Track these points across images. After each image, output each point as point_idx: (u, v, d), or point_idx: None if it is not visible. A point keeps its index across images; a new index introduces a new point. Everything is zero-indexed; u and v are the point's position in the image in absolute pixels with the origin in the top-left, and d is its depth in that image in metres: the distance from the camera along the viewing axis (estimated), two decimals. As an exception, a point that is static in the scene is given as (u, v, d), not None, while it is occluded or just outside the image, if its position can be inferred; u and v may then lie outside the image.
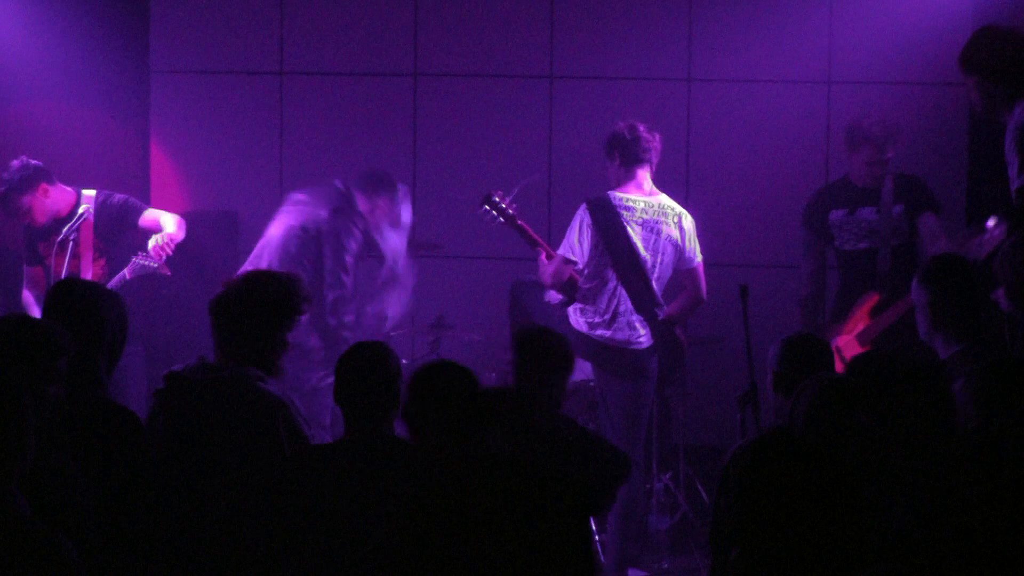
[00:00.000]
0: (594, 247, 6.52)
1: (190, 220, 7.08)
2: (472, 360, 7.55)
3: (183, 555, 4.33)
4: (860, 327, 6.64)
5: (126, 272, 6.78)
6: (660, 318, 6.53)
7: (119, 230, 6.97)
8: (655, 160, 6.59)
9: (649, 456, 6.99)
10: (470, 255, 8.28)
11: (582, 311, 6.56)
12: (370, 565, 3.95)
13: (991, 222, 5.82)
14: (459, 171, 8.32)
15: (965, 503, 3.52)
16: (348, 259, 6.83)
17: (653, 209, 6.55)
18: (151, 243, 6.74)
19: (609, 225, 6.50)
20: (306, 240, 6.85)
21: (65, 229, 6.84)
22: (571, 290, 6.56)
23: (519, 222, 6.60)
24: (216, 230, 8.10)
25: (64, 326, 4.13)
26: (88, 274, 6.82)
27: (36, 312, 6.67)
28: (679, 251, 6.58)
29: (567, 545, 3.76)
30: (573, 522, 3.82)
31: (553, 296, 6.67)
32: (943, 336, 5.04)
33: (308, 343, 6.67)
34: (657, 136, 6.58)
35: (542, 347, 5.00)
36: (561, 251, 6.54)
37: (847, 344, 6.60)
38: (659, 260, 6.54)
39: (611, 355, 6.49)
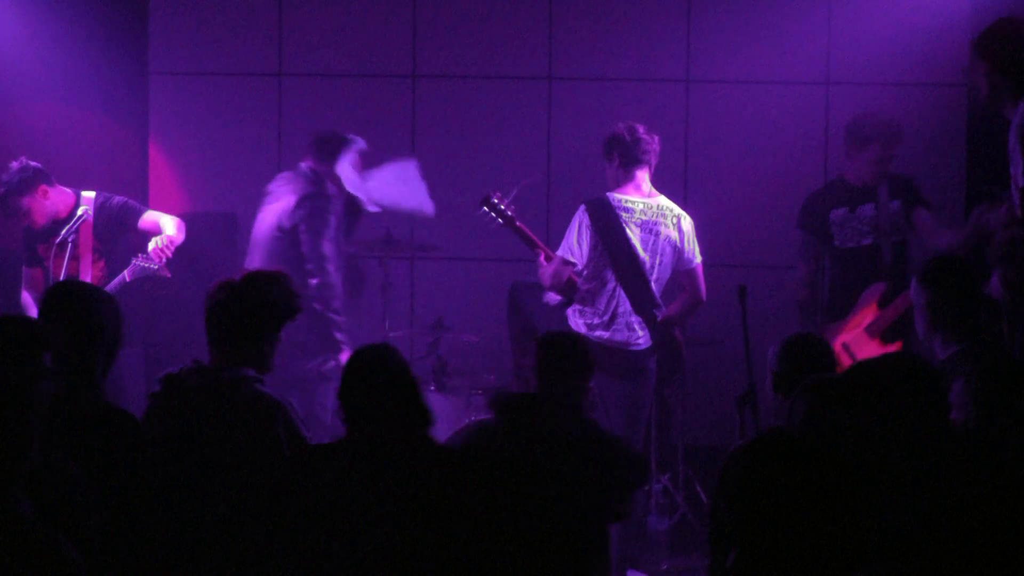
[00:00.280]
0: (593, 248, 6.52)
1: (189, 221, 7.07)
2: (472, 361, 7.64)
3: (183, 556, 4.33)
4: (868, 319, 6.65)
5: (126, 274, 6.77)
6: (659, 319, 6.53)
7: (118, 232, 6.97)
8: (654, 162, 6.60)
9: (648, 457, 6.99)
10: (469, 256, 8.29)
11: (581, 312, 6.56)
12: (370, 565, 3.95)
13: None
14: (458, 172, 8.31)
15: (965, 503, 3.51)
16: (325, 245, 6.77)
17: (652, 210, 6.56)
18: (151, 245, 6.74)
19: (608, 226, 6.50)
20: (283, 237, 6.82)
21: (64, 231, 6.84)
22: (570, 291, 6.56)
23: (518, 224, 6.60)
24: (215, 231, 8.10)
25: (60, 328, 4.13)
26: (87, 276, 6.82)
27: (34, 314, 6.67)
28: (678, 252, 6.58)
29: (549, 543, 3.78)
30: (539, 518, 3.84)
31: (552, 297, 6.67)
32: (942, 336, 5.05)
33: (297, 336, 6.67)
34: (656, 138, 6.59)
35: (565, 351, 5.01)
36: (560, 252, 6.55)
37: (856, 339, 6.61)
38: (658, 261, 6.55)
39: (610, 356, 6.49)
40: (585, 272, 6.54)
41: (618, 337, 6.51)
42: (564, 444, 4.75)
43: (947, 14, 7.93)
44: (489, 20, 8.47)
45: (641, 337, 6.54)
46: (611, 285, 6.52)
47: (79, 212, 6.90)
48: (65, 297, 4.53)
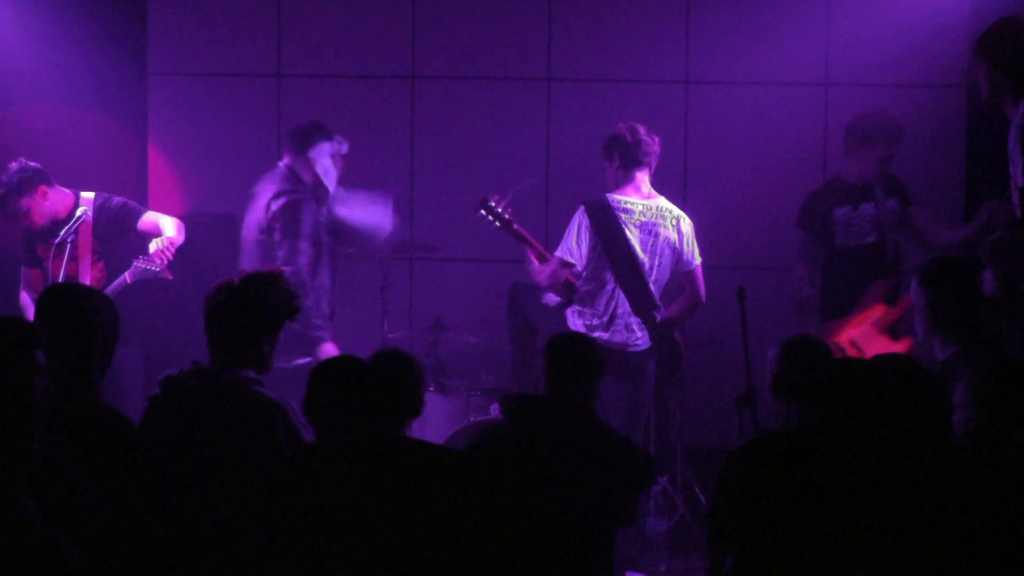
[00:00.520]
0: (592, 249, 6.52)
1: (188, 222, 7.07)
2: (471, 362, 7.64)
3: (183, 557, 4.33)
4: (876, 315, 6.66)
5: (127, 276, 6.77)
6: (658, 320, 6.54)
7: (118, 233, 6.97)
8: (654, 164, 6.60)
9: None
10: (468, 257, 8.28)
11: (580, 313, 6.56)
12: (371, 566, 3.95)
13: None
14: (457, 173, 8.32)
15: (965, 503, 3.52)
16: (301, 242, 6.77)
17: (651, 212, 6.56)
18: (152, 247, 6.73)
19: (607, 227, 6.50)
20: (264, 240, 6.83)
21: (63, 231, 6.83)
22: (569, 292, 6.57)
23: (515, 226, 6.61)
24: (214, 232, 8.09)
25: (56, 330, 4.13)
26: (86, 277, 6.82)
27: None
28: (677, 254, 6.58)
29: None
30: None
31: (551, 298, 6.68)
32: (941, 337, 5.05)
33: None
34: (657, 139, 6.59)
35: (575, 353, 5.01)
36: (559, 253, 6.55)
37: (864, 334, 6.61)
38: (657, 262, 6.55)
39: (609, 357, 6.46)
40: (584, 273, 6.54)
41: (617, 338, 6.51)
42: (573, 446, 4.75)
43: (947, 14, 7.94)
44: (488, 21, 8.47)
45: (640, 338, 6.55)
46: (610, 286, 6.52)
47: (78, 213, 6.90)
48: (60, 298, 4.54)
